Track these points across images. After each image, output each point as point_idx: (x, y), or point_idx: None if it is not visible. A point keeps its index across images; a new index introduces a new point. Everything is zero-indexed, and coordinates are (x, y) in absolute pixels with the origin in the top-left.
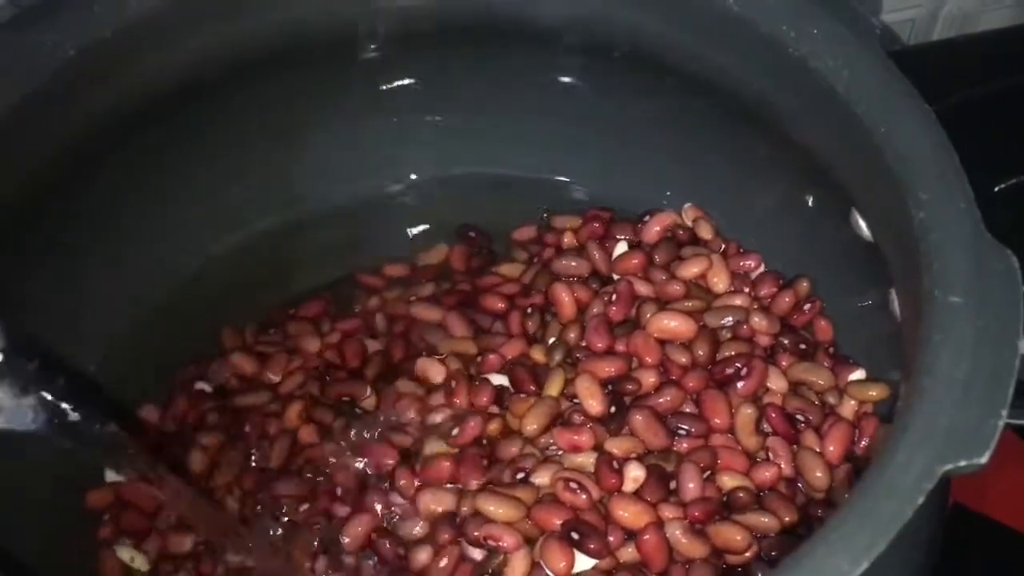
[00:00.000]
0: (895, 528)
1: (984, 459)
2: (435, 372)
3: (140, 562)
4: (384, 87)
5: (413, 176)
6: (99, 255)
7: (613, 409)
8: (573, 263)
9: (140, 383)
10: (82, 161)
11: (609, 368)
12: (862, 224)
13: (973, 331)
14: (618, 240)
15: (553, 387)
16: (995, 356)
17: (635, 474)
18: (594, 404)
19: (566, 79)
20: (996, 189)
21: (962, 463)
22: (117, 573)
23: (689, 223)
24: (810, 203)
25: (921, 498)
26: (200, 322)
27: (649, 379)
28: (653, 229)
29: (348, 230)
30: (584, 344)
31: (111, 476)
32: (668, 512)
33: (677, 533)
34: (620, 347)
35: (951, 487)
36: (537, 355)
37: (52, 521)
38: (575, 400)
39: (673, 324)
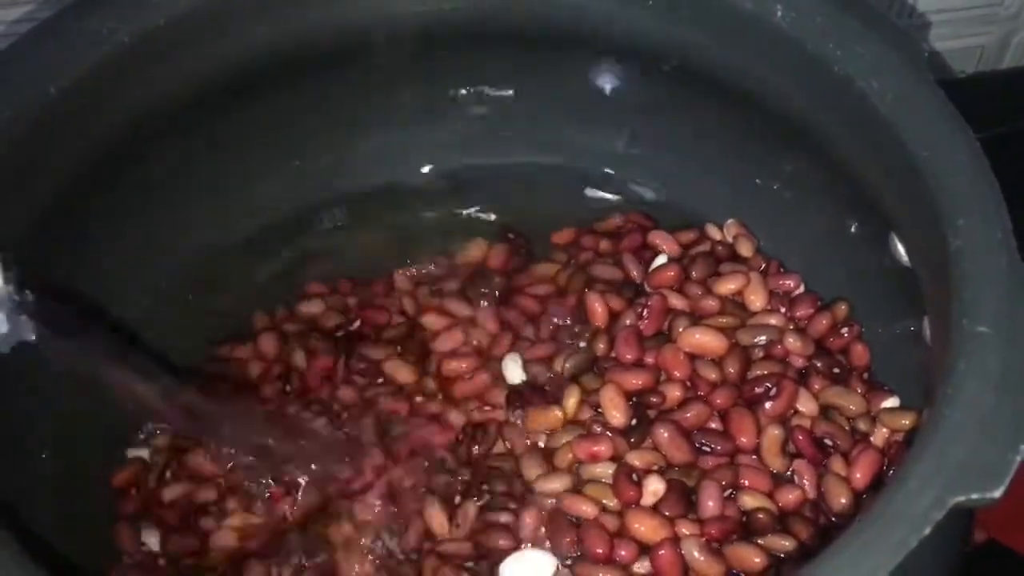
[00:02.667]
0: (899, 556)
1: (997, 493)
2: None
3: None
4: (439, 83)
5: (454, 166)
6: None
7: (634, 421)
8: (609, 270)
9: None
10: (128, 143)
11: (636, 380)
12: (901, 249)
13: (999, 363)
14: (656, 251)
15: (570, 400)
16: (1019, 389)
17: (655, 487)
18: (617, 415)
19: (615, 88)
20: None
21: (974, 496)
22: (133, 544)
23: (730, 239)
24: (853, 229)
25: (928, 528)
26: (235, 303)
27: (675, 393)
28: (691, 242)
29: (386, 220)
30: (613, 355)
31: (133, 452)
32: (685, 528)
33: (693, 551)
34: (649, 359)
35: (985, 525)
36: (559, 364)
37: (71, 495)
38: (598, 410)
39: (705, 339)
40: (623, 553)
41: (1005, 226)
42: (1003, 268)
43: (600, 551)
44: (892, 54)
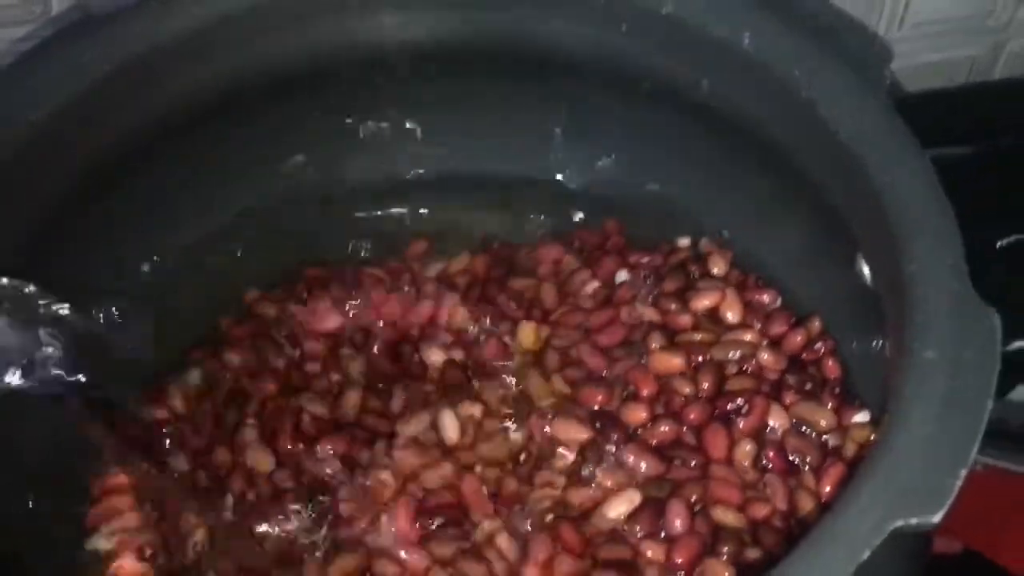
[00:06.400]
0: None
1: (937, 518)
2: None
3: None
4: (411, 92)
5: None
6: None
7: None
8: (580, 283)
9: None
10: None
11: (596, 397)
12: (866, 270)
13: (943, 389)
14: (626, 265)
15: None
16: (962, 416)
17: (631, 497)
18: (575, 434)
19: (593, 108)
20: (998, 245)
21: (913, 521)
22: None
23: (703, 256)
24: (826, 247)
25: (867, 552)
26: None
27: (640, 414)
28: (662, 258)
29: (373, 225)
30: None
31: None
32: (652, 552)
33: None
34: (617, 370)
35: (960, 534)
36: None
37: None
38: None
39: (676, 362)
40: None
41: (957, 252)
42: (953, 295)
43: None
44: (853, 79)
